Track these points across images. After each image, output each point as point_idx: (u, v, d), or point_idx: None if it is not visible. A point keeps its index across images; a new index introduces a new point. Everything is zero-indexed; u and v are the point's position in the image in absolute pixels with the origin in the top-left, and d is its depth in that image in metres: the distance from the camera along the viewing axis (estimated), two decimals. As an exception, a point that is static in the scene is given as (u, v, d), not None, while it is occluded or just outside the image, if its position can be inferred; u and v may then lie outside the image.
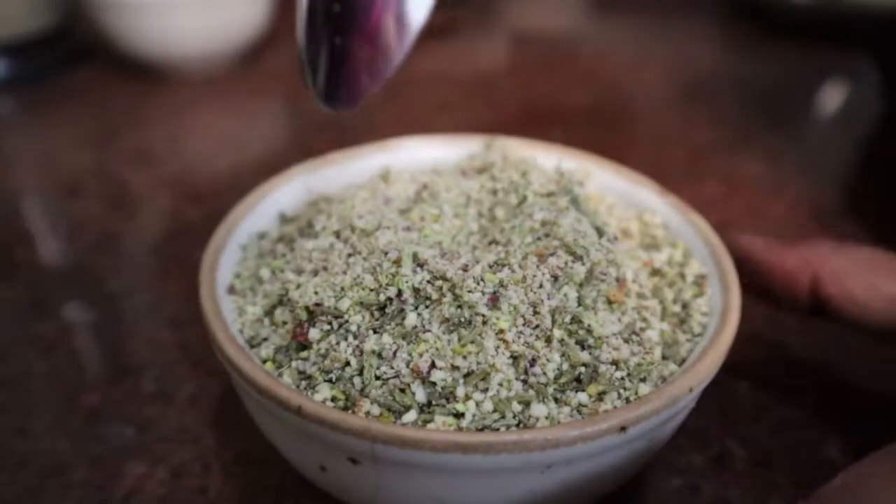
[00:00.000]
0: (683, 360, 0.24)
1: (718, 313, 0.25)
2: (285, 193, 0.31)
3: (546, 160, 0.32)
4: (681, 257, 0.29)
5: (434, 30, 0.31)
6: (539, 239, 0.25)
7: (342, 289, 0.23)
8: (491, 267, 0.24)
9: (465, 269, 0.23)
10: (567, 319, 0.23)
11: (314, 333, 0.23)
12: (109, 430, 0.31)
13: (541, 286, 0.23)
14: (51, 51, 0.64)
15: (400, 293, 0.23)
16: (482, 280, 0.23)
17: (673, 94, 0.61)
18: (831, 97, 0.64)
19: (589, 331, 0.23)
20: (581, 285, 0.24)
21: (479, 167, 0.30)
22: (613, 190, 0.32)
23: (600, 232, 0.26)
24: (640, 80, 0.64)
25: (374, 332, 0.23)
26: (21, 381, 0.33)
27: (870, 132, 0.57)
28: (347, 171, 0.33)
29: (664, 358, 0.24)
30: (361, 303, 0.23)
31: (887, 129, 0.56)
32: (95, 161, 0.51)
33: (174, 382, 0.33)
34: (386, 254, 0.24)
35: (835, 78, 0.67)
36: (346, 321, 0.23)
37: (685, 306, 0.27)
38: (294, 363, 0.23)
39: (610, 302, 0.25)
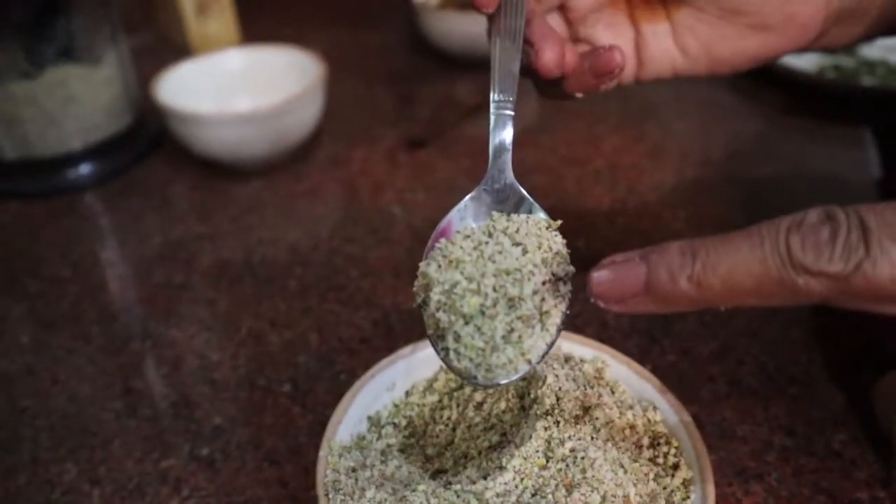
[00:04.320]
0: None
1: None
2: (370, 393, 0.40)
3: (573, 349, 0.41)
4: (673, 459, 0.37)
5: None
6: (568, 467, 0.34)
7: None
8: (533, 496, 0.33)
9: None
10: (587, 548, 0.32)
11: None
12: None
13: (568, 521, 0.32)
14: (128, 147, 0.72)
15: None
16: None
17: (684, 190, 0.68)
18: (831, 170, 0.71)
19: (603, 554, 0.32)
20: (598, 512, 0.33)
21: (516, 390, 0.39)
22: (625, 380, 0.41)
23: (620, 462, 0.35)
24: (657, 172, 0.70)
25: None
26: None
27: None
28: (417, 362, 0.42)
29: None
30: None
31: (884, 196, 0.63)
32: (178, 275, 0.60)
33: (279, 520, 0.43)
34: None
35: (837, 149, 0.73)
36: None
37: (674, 512, 0.35)
38: None
39: (618, 521, 0.33)
